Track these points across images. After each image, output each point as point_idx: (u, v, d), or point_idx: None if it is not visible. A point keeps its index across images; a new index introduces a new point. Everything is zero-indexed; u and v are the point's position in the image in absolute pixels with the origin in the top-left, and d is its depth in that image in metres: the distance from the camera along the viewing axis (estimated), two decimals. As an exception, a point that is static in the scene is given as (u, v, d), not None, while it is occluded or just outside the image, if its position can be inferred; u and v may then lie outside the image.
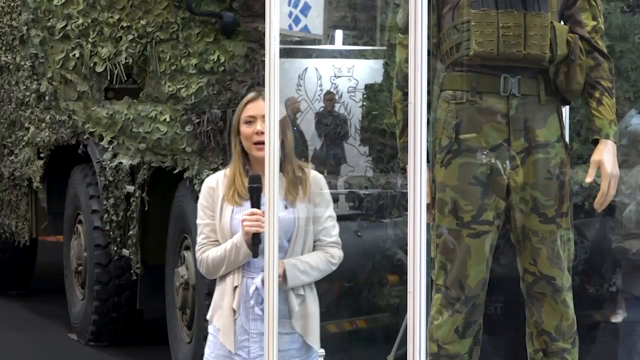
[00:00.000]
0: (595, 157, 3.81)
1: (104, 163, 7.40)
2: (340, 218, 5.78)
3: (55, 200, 8.41)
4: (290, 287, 3.89)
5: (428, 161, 3.16)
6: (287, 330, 3.91)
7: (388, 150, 6.44)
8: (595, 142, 3.84)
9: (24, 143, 8.50)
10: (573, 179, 4.08)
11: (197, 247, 4.02)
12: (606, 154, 3.79)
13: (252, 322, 3.92)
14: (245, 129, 3.97)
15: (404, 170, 3.73)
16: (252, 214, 3.86)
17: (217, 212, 3.97)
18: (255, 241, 3.86)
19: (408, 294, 2.98)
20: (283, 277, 3.85)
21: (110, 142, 7.03)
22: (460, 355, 3.87)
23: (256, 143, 3.93)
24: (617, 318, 6.38)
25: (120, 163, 7.26)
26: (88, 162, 7.79)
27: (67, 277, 8.35)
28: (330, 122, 6.87)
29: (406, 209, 2.99)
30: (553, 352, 3.89)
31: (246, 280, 3.93)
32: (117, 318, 8.01)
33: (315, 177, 4.04)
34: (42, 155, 8.19)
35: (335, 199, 6.07)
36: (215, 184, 4.01)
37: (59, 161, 8.15)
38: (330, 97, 6.90)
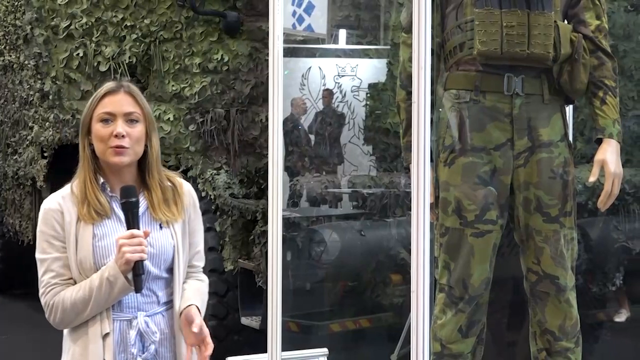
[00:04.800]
0: (598, 156, 3.81)
1: (107, 162, 7.39)
2: (344, 217, 5.81)
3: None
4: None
5: (432, 160, 3.16)
6: None
7: (392, 150, 6.43)
8: (599, 142, 3.84)
9: (27, 142, 8.49)
10: (576, 178, 4.08)
11: (42, 290, 3.02)
12: (610, 153, 3.79)
13: None
14: (100, 129, 3.04)
15: (407, 170, 3.73)
16: (133, 236, 2.95)
17: (70, 241, 3.01)
18: (137, 271, 2.96)
19: (411, 293, 2.98)
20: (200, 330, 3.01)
21: (113, 141, 7.04)
22: (464, 355, 3.87)
23: (114, 147, 3.02)
24: (620, 317, 6.37)
25: (124, 162, 7.24)
26: (92, 162, 7.77)
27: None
28: (325, 119, 6.87)
29: (410, 208, 2.99)
30: (556, 351, 3.89)
31: (120, 325, 3.04)
32: None
33: (187, 188, 3.20)
34: (45, 154, 8.18)
35: (339, 199, 6.08)
36: (58, 205, 3.03)
37: (63, 160, 8.14)
38: (326, 95, 6.92)
